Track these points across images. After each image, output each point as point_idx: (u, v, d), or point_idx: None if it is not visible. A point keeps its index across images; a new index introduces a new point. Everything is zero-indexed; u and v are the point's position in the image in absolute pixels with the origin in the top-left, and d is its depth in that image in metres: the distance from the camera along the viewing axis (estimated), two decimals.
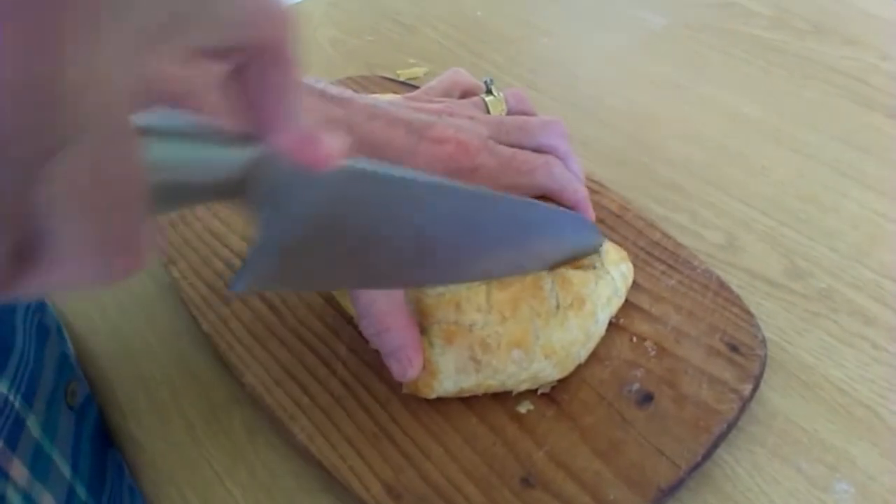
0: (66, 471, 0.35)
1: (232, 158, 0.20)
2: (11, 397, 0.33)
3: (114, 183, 0.14)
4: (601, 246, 0.37)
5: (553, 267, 0.35)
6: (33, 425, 0.34)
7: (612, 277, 0.36)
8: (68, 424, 0.38)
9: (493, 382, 0.34)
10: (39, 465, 0.33)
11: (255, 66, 0.18)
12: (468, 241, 0.30)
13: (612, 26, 0.61)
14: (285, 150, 0.19)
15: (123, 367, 0.41)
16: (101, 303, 0.44)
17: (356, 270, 0.27)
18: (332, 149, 0.20)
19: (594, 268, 0.36)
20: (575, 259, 0.36)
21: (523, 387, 0.34)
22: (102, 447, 0.39)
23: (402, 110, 0.34)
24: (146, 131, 0.17)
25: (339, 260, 0.26)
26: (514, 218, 0.32)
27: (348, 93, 0.33)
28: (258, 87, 0.19)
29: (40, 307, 0.40)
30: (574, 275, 0.35)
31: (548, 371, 0.34)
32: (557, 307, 0.34)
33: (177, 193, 0.19)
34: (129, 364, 0.41)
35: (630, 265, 0.37)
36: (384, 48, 0.61)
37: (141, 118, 0.17)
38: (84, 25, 0.12)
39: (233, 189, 0.20)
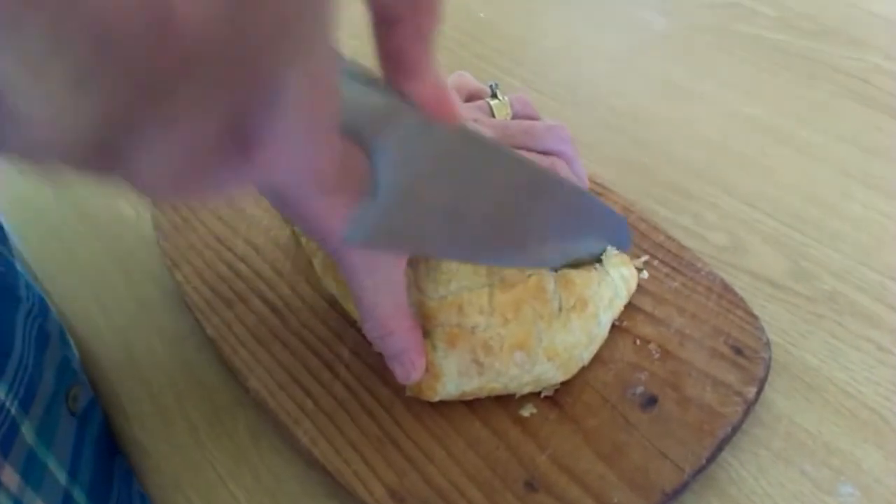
0: (61, 477, 0.35)
1: (369, 101, 0.20)
2: (8, 403, 0.33)
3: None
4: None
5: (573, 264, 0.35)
6: (28, 431, 0.34)
7: (611, 279, 0.36)
8: (68, 429, 0.38)
9: (495, 385, 0.34)
10: (32, 472, 0.33)
11: (412, 15, 0.19)
12: (544, 222, 0.31)
13: (615, 27, 0.61)
14: (423, 100, 0.20)
15: (127, 371, 0.41)
16: (105, 306, 0.44)
17: (453, 236, 0.28)
18: (459, 106, 0.20)
19: (595, 269, 0.36)
20: (598, 255, 0.37)
21: (526, 389, 0.34)
22: (109, 453, 0.39)
23: None
24: None
25: (440, 221, 0.27)
26: (579, 204, 0.33)
27: None
28: (410, 36, 0.19)
29: (42, 312, 0.40)
30: (577, 276, 0.35)
31: (551, 373, 0.34)
32: (560, 309, 0.34)
33: None
34: (132, 368, 0.41)
35: (633, 269, 0.37)
36: None
37: None
38: None
39: (360, 131, 0.21)
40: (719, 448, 0.33)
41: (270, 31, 0.13)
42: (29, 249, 0.49)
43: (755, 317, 0.37)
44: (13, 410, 0.34)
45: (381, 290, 0.32)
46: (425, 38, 0.20)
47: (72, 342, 0.43)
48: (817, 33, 0.57)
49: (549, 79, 0.56)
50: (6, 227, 0.46)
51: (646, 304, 0.38)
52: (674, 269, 0.39)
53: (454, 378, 0.33)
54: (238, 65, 0.13)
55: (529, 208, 0.30)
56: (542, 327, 0.33)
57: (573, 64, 0.58)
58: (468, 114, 0.35)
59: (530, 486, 0.32)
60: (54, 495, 0.34)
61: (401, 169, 0.23)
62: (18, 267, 0.41)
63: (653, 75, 0.56)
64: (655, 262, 0.40)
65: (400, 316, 0.32)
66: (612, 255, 0.37)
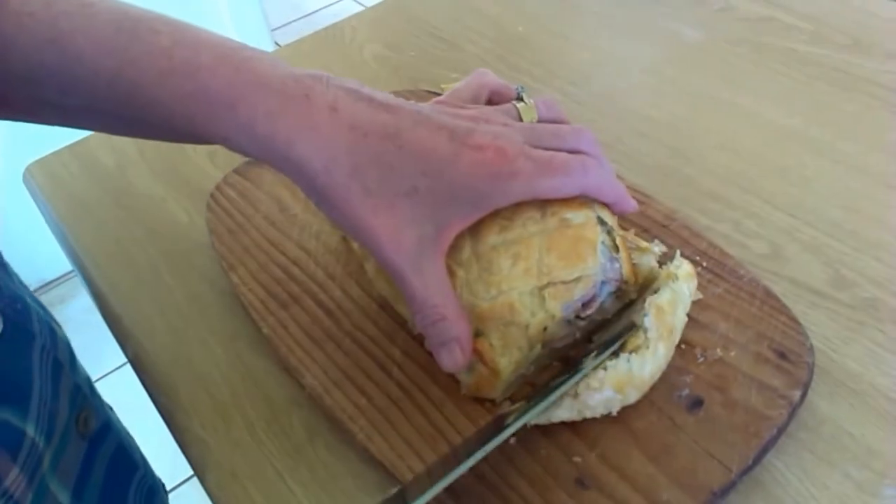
0: (64, 498, 0.36)
1: None
2: (37, 438, 0.35)
3: None
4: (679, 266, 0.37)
5: None
6: (46, 459, 0.35)
7: (685, 295, 0.36)
8: (77, 452, 0.39)
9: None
10: (38, 496, 0.34)
11: None
12: None
13: (650, 41, 0.62)
14: None
15: (185, 370, 0.43)
16: (161, 307, 0.46)
17: None
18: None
19: (672, 282, 0.36)
20: None
21: (598, 411, 0.35)
22: (125, 473, 0.40)
23: (445, 117, 0.34)
24: None
25: None
26: None
27: (394, 99, 0.34)
28: None
29: (52, 342, 0.40)
30: (666, 303, 0.35)
31: (633, 397, 0.35)
32: (649, 341, 0.34)
33: None
34: (189, 367, 0.43)
35: (696, 281, 0.38)
36: (427, 63, 0.63)
37: None
38: None
39: None
40: (765, 449, 0.33)
41: None
42: (87, 255, 0.51)
43: (798, 322, 0.38)
44: (41, 445, 0.35)
45: (429, 284, 0.34)
46: None
47: (80, 365, 0.44)
48: (852, 47, 0.58)
49: (586, 90, 0.58)
50: (64, 233, 0.48)
51: (690, 309, 0.39)
52: (717, 275, 0.40)
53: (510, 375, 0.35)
54: None
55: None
56: (635, 362, 0.34)
57: (610, 76, 0.59)
58: (496, 118, 0.36)
59: (581, 483, 0.33)
60: None
61: None
62: (28, 299, 0.41)
63: (689, 87, 0.57)
64: (699, 269, 0.41)
65: (449, 304, 0.34)
66: (681, 267, 0.37)
